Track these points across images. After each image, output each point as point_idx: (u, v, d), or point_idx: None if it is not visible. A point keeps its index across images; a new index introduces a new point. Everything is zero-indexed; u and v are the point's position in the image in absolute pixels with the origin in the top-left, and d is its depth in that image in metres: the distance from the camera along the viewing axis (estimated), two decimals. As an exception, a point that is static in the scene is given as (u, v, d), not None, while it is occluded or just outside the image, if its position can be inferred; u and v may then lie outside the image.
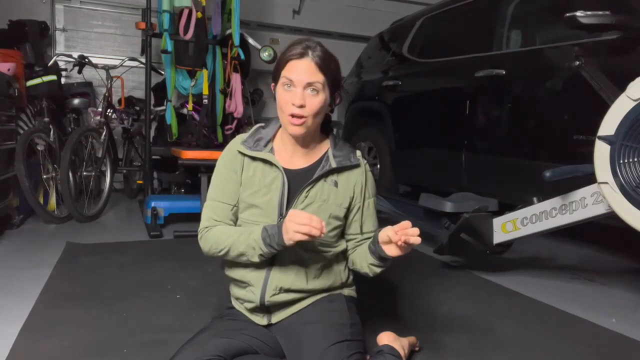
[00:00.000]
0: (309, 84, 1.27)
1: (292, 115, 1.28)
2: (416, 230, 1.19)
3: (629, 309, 2.12)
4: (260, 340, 1.32)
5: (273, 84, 1.37)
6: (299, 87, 1.27)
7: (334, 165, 1.36)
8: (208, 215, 1.38)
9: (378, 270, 1.35)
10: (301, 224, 1.16)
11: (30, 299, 1.90)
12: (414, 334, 1.63)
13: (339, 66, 1.35)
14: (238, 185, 1.38)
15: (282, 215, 1.32)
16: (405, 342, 1.52)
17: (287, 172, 1.35)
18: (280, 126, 1.40)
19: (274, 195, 1.34)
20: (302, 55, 1.28)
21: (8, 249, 2.66)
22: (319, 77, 1.28)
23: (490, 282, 2.38)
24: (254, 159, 1.38)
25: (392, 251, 1.25)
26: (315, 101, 1.28)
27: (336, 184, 1.37)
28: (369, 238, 1.40)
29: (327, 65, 1.30)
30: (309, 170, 1.37)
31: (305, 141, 1.37)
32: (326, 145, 1.42)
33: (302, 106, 1.27)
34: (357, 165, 1.40)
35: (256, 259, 1.29)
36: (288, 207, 1.33)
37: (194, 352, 1.18)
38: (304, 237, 1.17)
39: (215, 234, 1.34)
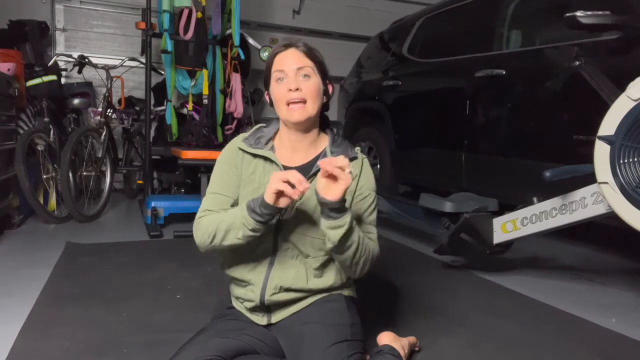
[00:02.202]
0: (300, 69, 1.31)
1: (291, 102, 1.30)
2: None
3: (629, 309, 2.12)
4: (260, 340, 1.32)
5: (266, 92, 1.40)
6: (291, 74, 1.31)
7: None
8: (204, 207, 1.36)
9: (331, 233, 1.20)
10: (283, 175, 1.16)
11: (30, 299, 1.90)
12: (414, 334, 1.63)
13: (323, 58, 1.39)
14: (238, 179, 1.37)
15: (281, 213, 1.32)
16: (405, 342, 1.52)
17: (287, 169, 1.35)
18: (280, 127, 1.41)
19: None
20: (287, 46, 1.35)
21: (8, 249, 2.66)
22: (307, 62, 1.33)
23: (490, 282, 2.38)
24: (254, 156, 1.38)
25: (324, 190, 1.17)
26: (310, 84, 1.32)
27: None
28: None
29: (312, 52, 1.36)
30: (307, 167, 1.37)
31: (306, 131, 1.37)
32: (325, 143, 1.42)
33: (298, 89, 1.30)
34: (354, 159, 1.39)
35: (240, 235, 1.24)
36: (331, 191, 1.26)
37: (194, 352, 1.18)
38: (283, 186, 1.14)
39: (206, 221, 1.32)
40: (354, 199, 1.37)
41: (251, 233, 1.24)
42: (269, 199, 1.18)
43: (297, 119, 1.31)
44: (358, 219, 1.35)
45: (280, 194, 1.18)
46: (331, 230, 1.21)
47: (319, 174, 1.18)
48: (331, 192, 1.16)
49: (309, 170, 1.35)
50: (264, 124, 1.47)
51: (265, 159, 1.37)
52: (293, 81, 1.30)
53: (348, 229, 1.20)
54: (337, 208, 1.18)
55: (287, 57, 1.33)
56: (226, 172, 1.38)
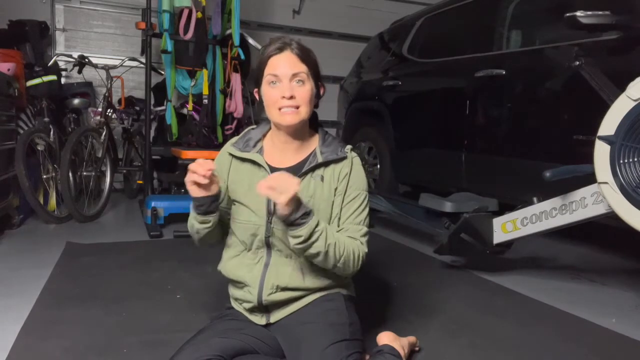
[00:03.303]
0: (294, 75, 1.30)
1: (284, 107, 1.29)
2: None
3: (629, 309, 2.12)
4: (259, 340, 1.32)
5: (256, 89, 1.39)
6: (285, 80, 1.30)
7: (320, 160, 1.36)
8: None
9: (290, 240, 1.25)
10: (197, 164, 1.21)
11: (30, 299, 1.90)
12: (414, 334, 1.63)
13: (317, 58, 1.37)
14: (223, 185, 1.41)
15: (270, 213, 1.33)
16: (405, 342, 1.52)
17: (275, 171, 1.36)
18: (270, 128, 1.42)
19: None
20: (281, 49, 1.32)
21: (8, 249, 2.66)
22: (302, 67, 1.31)
23: (490, 282, 2.38)
24: (243, 160, 1.39)
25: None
26: (304, 91, 1.31)
27: (322, 179, 1.36)
28: (343, 229, 1.35)
29: (307, 55, 1.34)
30: (297, 168, 1.37)
31: (297, 134, 1.37)
32: (315, 142, 1.42)
33: (292, 97, 1.29)
34: (344, 158, 1.39)
35: (196, 227, 1.34)
36: (276, 205, 1.32)
37: (193, 352, 1.18)
38: (189, 177, 1.22)
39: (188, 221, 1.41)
40: (343, 200, 1.37)
41: (201, 225, 1.32)
42: (190, 192, 1.26)
43: (289, 123, 1.31)
44: (340, 212, 1.37)
45: (196, 184, 1.23)
46: (290, 237, 1.25)
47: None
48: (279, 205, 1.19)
49: (299, 170, 1.36)
50: (253, 126, 1.48)
51: (254, 162, 1.37)
52: (287, 88, 1.29)
53: (304, 240, 1.22)
54: (290, 222, 1.21)
55: (282, 62, 1.30)
56: None
